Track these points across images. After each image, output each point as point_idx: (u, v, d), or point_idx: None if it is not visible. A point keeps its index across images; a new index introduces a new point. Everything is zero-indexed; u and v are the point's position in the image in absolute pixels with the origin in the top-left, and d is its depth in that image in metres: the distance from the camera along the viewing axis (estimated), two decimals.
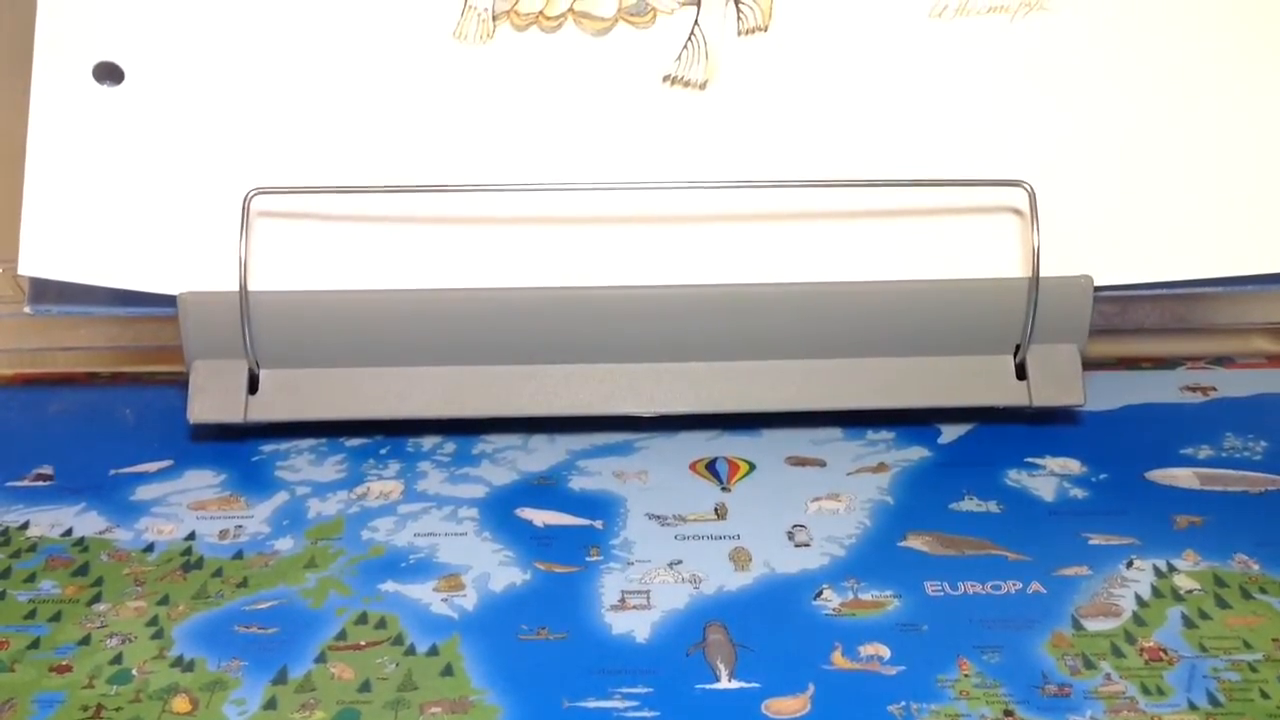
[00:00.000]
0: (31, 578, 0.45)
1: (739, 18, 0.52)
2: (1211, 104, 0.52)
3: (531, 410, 0.51)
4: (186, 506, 0.49)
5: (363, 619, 0.43)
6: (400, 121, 0.52)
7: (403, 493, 0.50)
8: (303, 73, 0.51)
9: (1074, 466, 0.51)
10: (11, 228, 0.50)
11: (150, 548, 0.47)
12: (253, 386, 0.51)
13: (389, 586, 0.44)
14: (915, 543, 0.46)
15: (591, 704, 0.39)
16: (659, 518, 0.48)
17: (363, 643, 0.42)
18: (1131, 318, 0.59)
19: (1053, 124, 0.52)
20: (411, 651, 0.41)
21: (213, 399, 0.50)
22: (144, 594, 0.44)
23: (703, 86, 0.52)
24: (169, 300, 0.50)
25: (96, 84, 0.51)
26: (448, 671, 0.40)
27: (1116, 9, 0.52)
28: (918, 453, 0.52)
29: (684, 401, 0.52)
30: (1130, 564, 0.45)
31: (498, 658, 0.41)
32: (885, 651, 0.41)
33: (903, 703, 0.39)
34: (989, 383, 0.52)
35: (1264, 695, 0.39)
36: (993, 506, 0.48)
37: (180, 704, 0.39)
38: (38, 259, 0.50)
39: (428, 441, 0.53)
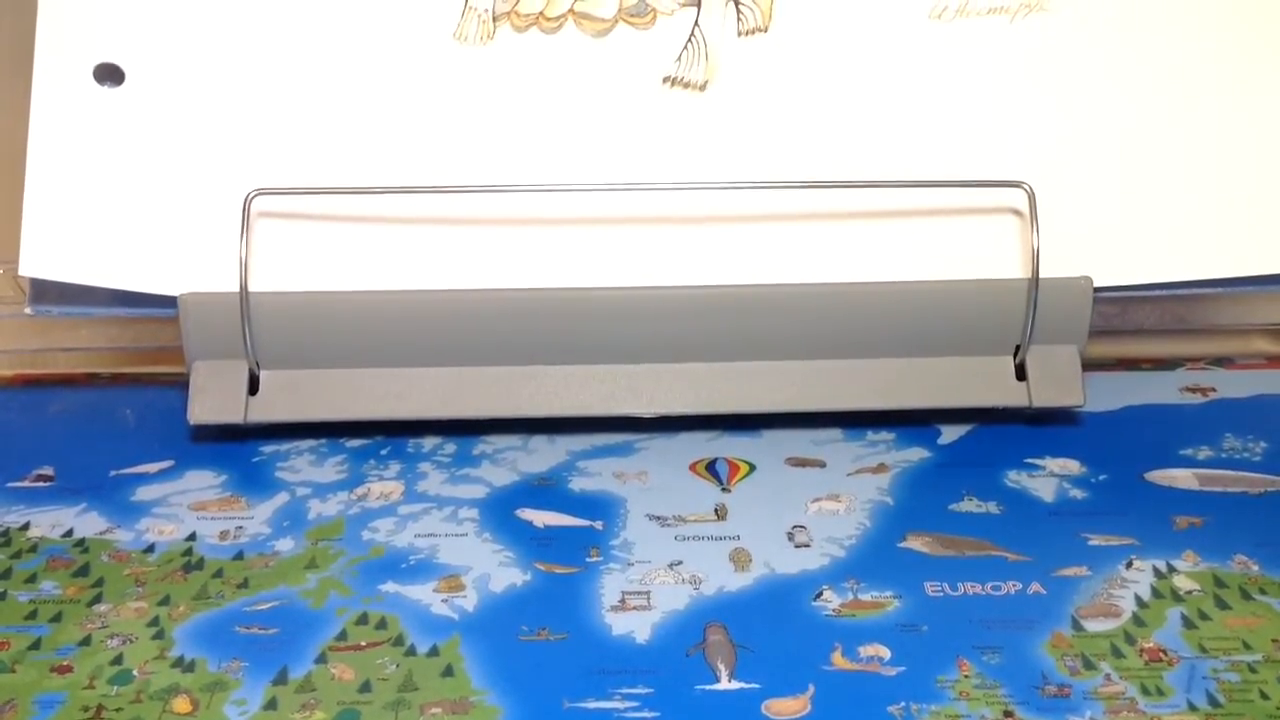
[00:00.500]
0: (32, 578, 0.45)
1: (739, 19, 0.52)
2: (1211, 104, 0.53)
3: (532, 411, 0.51)
4: (187, 507, 0.49)
5: (363, 619, 0.43)
6: (401, 122, 0.52)
7: (403, 493, 0.50)
8: (303, 74, 0.51)
9: (1074, 467, 0.51)
10: (12, 229, 0.50)
11: (151, 548, 0.47)
12: (253, 387, 0.51)
13: (389, 587, 0.44)
14: (915, 543, 0.46)
15: (592, 704, 0.39)
16: (659, 518, 0.48)
17: (363, 643, 0.42)
18: (1131, 318, 0.59)
19: (1052, 125, 0.52)
20: (412, 652, 0.41)
21: (213, 400, 0.50)
22: (145, 594, 0.44)
23: (703, 87, 0.52)
24: (169, 301, 0.50)
25: (97, 85, 0.51)
26: (448, 672, 0.40)
27: (1116, 10, 0.52)
28: (918, 453, 0.52)
29: (684, 402, 0.52)
30: (1130, 565, 0.45)
31: (498, 658, 0.41)
32: (885, 652, 0.41)
33: (902, 703, 0.39)
34: (989, 383, 0.52)
35: (1264, 696, 0.39)
36: (992, 507, 0.48)
37: (181, 704, 0.39)
38: (38, 260, 0.50)
39: (428, 442, 0.53)
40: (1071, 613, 0.43)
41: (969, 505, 0.49)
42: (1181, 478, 0.50)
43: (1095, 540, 0.46)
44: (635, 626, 0.42)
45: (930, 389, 0.52)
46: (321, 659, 0.41)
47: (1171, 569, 0.45)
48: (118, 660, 0.41)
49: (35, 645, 0.42)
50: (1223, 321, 0.59)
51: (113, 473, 0.51)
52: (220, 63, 0.51)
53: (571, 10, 0.52)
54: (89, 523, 0.48)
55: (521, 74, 0.52)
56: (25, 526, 0.48)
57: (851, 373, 0.52)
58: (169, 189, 0.51)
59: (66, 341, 0.59)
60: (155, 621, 0.43)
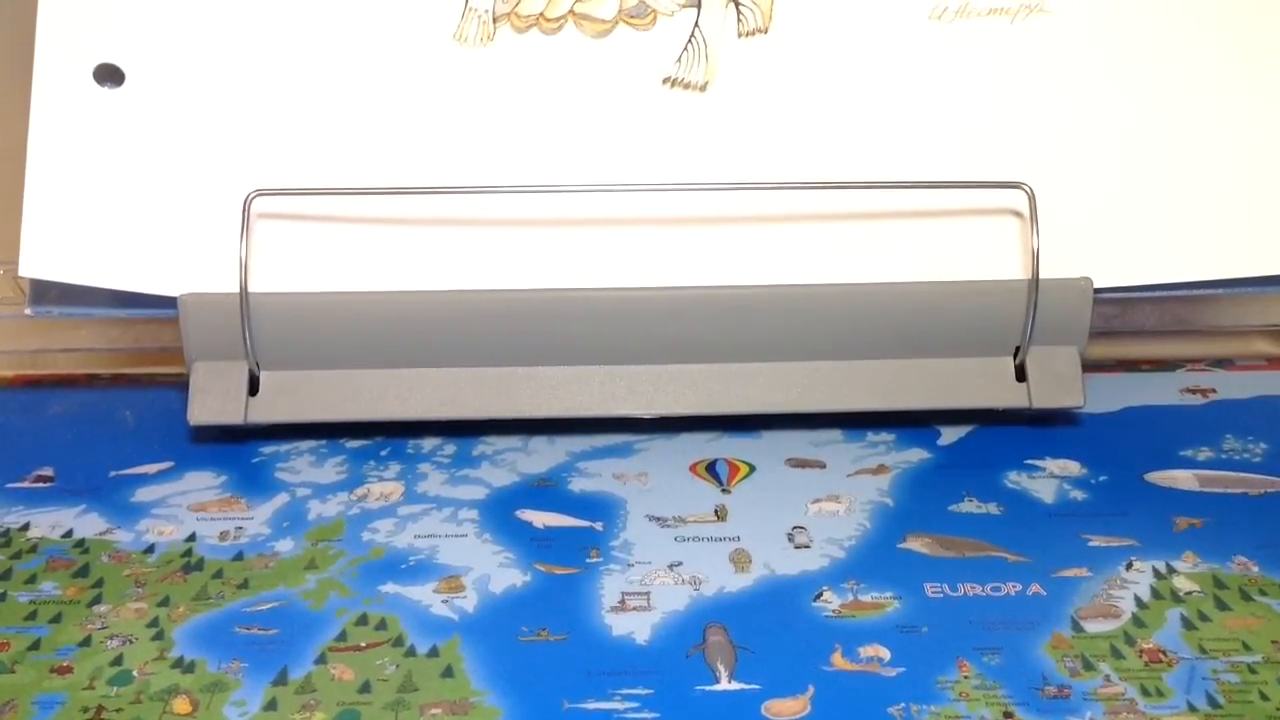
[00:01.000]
0: (32, 579, 0.45)
1: (739, 20, 0.52)
2: (1211, 106, 0.53)
3: (531, 412, 0.51)
4: (187, 508, 0.49)
5: (363, 620, 0.43)
6: (401, 124, 0.52)
7: (403, 494, 0.50)
8: (303, 75, 0.51)
9: (1074, 468, 0.51)
10: (12, 229, 0.50)
11: (151, 549, 0.47)
12: (253, 388, 0.51)
13: (389, 588, 0.44)
14: (915, 544, 0.46)
15: (591, 705, 0.39)
16: (659, 519, 0.48)
17: (363, 644, 0.42)
18: (1131, 319, 0.59)
19: (1052, 126, 0.52)
20: (412, 653, 0.41)
21: (213, 400, 0.50)
22: (144, 595, 0.44)
23: (703, 88, 0.52)
24: (169, 302, 0.50)
25: (97, 86, 0.51)
26: (448, 673, 0.40)
27: (1116, 11, 0.52)
28: (918, 454, 0.52)
29: (684, 403, 0.52)
30: (1130, 566, 0.45)
31: (498, 659, 0.41)
32: (885, 653, 0.41)
33: (902, 704, 0.39)
34: (989, 384, 0.52)
35: (1263, 697, 0.39)
36: (992, 508, 0.48)
37: (181, 705, 0.39)
38: (38, 261, 0.50)
39: (428, 443, 0.53)
40: (1071, 614, 0.43)
41: (969, 506, 0.49)
42: (1181, 479, 0.50)
43: (1095, 541, 0.46)
44: (635, 627, 0.42)
45: (930, 390, 0.52)
46: (321, 660, 0.41)
47: (1171, 570, 0.45)
48: (117, 661, 0.41)
49: (35, 646, 0.42)
50: (1223, 323, 0.59)
51: (112, 473, 0.51)
52: (220, 64, 0.51)
53: (571, 11, 0.52)
54: (89, 523, 0.48)
55: (522, 75, 0.52)
56: (25, 527, 0.48)
57: (851, 374, 0.52)
58: (169, 190, 0.51)
59: (66, 342, 0.59)
60: (155, 622, 0.43)
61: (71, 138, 0.51)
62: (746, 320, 0.51)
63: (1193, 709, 0.39)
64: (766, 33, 0.52)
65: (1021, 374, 0.52)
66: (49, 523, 0.48)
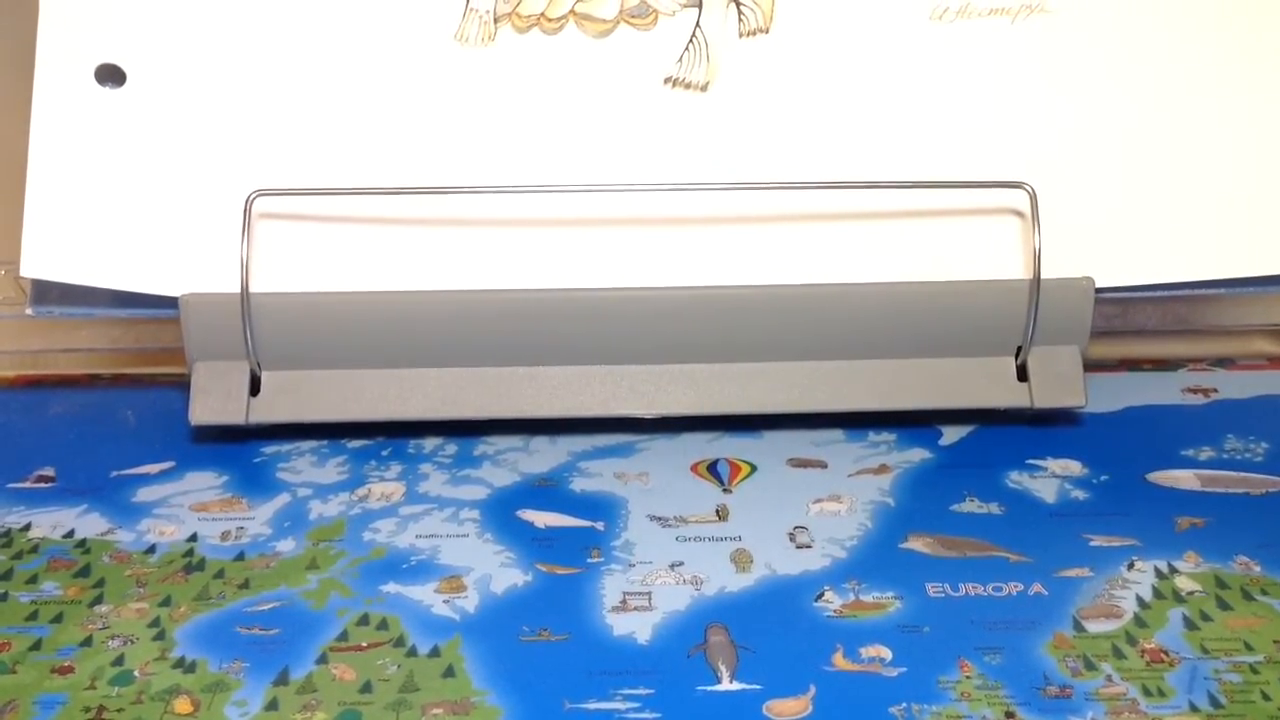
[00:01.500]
0: (33, 579, 0.45)
1: (740, 20, 0.52)
2: (1212, 105, 0.53)
3: (533, 412, 0.51)
4: (188, 508, 0.49)
5: (364, 620, 0.43)
6: (402, 124, 0.52)
7: (404, 494, 0.50)
8: (304, 75, 0.51)
9: (1075, 468, 0.51)
10: (13, 230, 0.50)
11: (152, 549, 0.47)
12: (254, 388, 0.51)
13: (390, 588, 0.44)
14: (916, 544, 0.46)
15: (593, 705, 0.39)
16: (660, 519, 0.48)
17: (364, 644, 0.42)
18: (1133, 319, 0.59)
19: (1054, 125, 0.52)
20: (413, 653, 0.41)
21: (214, 401, 0.50)
22: (146, 595, 0.44)
23: (704, 88, 0.52)
24: (171, 302, 0.50)
25: (98, 86, 0.51)
26: (449, 673, 0.40)
27: (1117, 11, 0.52)
28: (919, 454, 0.52)
29: (685, 403, 0.52)
30: (1131, 565, 0.45)
31: (499, 659, 0.41)
32: (886, 653, 0.41)
33: (904, 704, 0.39)
34: (990, 384, 0.52)
35: (1265, 697, 0.39)
36: (994, 508, 0.48)
37: (182, 705, 0.39)
38: (40, 261, 0.50)
39: (429, 443, 0.53)
40: (1073, 613, 0.43)
41: (970, 506, 0.49)
42: (1183, 478, 0.50)
43: (1097, 541, 0.46)
44: (636, 627, 0.42)
45: (932, 390, 0.52)
46: (322, 660, 0.41)
47: (1173, 570, 0.45)
48: (119, 661, 0.41)
49: (36, 646, 0.42)
50: (1224, 322, 0.59)
51: (114, 473, 0.51)
52: (221, 64, 0.51)
53: (573, 11, 0.52)
54: (90, 523, 0.48)
55: (523, 75, 0.52)
56: (26, 527, 0.48)
57: (853, 374, 0.52)
58: (170, 190, 0.51)
59: (68, 342, 0.59)
60: (156, 622, 0.43)
61: (73, 138, 0.51)
62: (748, 320, 0.51)
63: (1194, 709, 0.39)
64: (768, 33, 0.52)
65: (1023, 374, 0.52)
66: (50, 523, 0.48)
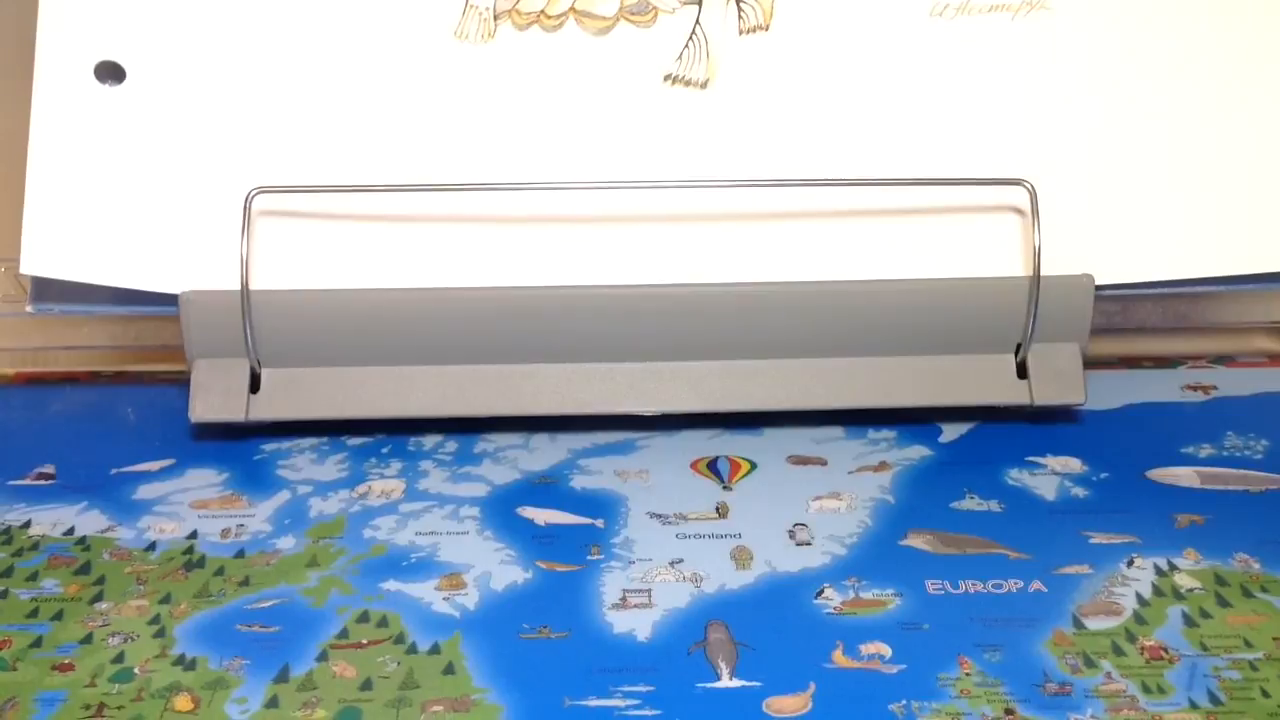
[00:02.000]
0: (33, 576, 0.45)
1: (740, 17, 0.52)
2: (1212, 103, 0.53)
3: (533, 409, 0.51)
4: (188, 505, 0.49)
5: (364, 617, 0.43)
6: (402, 121, 0.52)
7: (404, 491, 0.50)
8: (304, 72, 0.51)
9: (1075, 465, 0.51)
10: (13, 227, 0.50)
11: (152, 546, 0.47)
12: (254, 385, 0.51)
13: (390, 585, 0.44)
14: (916, 541, 0.46)
15: (593, 702, 0.39)
16: (660, 516, 0.48)
17: (364, 641, 0.42)
18: (1132, 316, 0.59)
19: (1054, 122, 0.52)
20: (413, 650, 0.41)
21: (214, 398, 0.50)
22: (146, 593, 0.44)
23: (704, 85, 0.52)
24: (171, 299, 0.50)
25: (98, 83, 0.51)
26: (449, 670, 0.40)
27: (1117, 8, 0.52)
28: (919, 452, 0.52)
29: (685, 400, 0.52)
30: (1131, 563, 0.45)
31: (499, 656, 0.41)
32: (886, 650, 0.41)
33: (904, 701, 0.39)
34: (990, 382, 0.52)
35: (1265, 694, 0.39)
36: (994, 505, 0.48)
37: (182, 702, 0.39)
38: (40, 258, 0.50)
39: (429, 440, 0.53)
40: (1073, 610, 0.43)
41: (970, 503, 0.49)
42: (1183, 476, 0.50)
43: (1096, 538, 0.46)
44: (636, 624, 0.42)
45: (931, 387, 0.52)
46: (323, 657, 0.41)
47: (1173, 567, 0.45)
48: (119, 658, 0.41)
49: (37, 643, 0.42)
50: (1224, 319, 0.59)
51: (114, 471, 0.51)
52: (221, 61, 0.51)
53: (572, 8, 0.52)
54: (90, 521, 0.48)
55: (522, 72, 0.52)
56: (27, 524, 0.48)
57: (853, 371, 0.52)
58: (170, 187, 0.51)
59: (68, 339, 0.59)
60: (156, 619, 0.43)
61: (72, 135, 0.51)
62: (748, 317, 0.51)
63: (1194, 706, 0.39)
64: (767, 30, 0.52)
65: (1023, 371, 0.52)
66: (50, 520, 0.48)
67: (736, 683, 0.40)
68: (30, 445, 0.53)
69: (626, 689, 0.39)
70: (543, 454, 0.52)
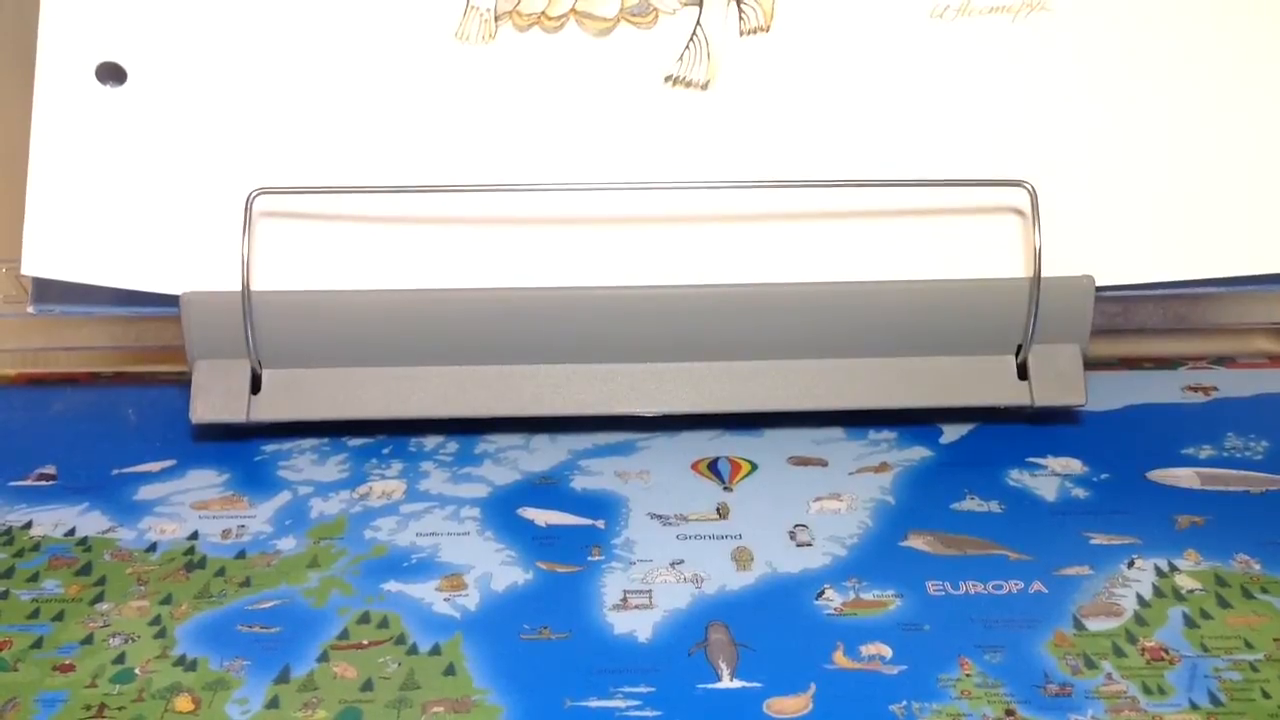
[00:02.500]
0: (34, 577, 0.45)
1: (741, 18, 0.52)
2: (1212, 104, 0.53)
3: (534, 410, 0.51)
4: (189, 506, 0.49)
5: (365, 618, 0.43)
6: (402, 122, 0.52)
7: (405, 492, 0.50)
8: (305, 73, 0.51)
9: (1075, 466, 0.51)
10: (15, 228, 0.50)
11: (153, 547, 0.47)
12: (255, 386, 0.51)
13: (391, 586, 0.44)
14: (917, 542, 0.46)
15: (593, 703, 0.39)
16: (661, 517, 0.48)
17: (365, 642, 0.42)
18: (1133, 318, 0.59)
19: (1054, 124, 0.52)
20: (414, 651, 0.41)
21: (215, 399, 0.50)
22: (147, 593, 0.44)
23: (705, 87, 0.52)
24: (172, 300, 0.50)
25: (99, 84, 0.51)
26: (450, 671, 0.40)
27: (1117, 9, 0.52)
28: (919, 453, 0.52)
29: (686, 401, 0.52)
30: (1132, 564, 0.45)
31: (500, 657, 0.41)
32: (887, 651, 0.41)
33: (904, 702, 0.39)
34: (991, 383, 0.52)
35: (1265, 695, 0.39)
36: (994, 506, 0.48)
37: (183, 703, 0.39)
38: (41, 259, 0.50)
39: (430, 441, 0.53)
40: (1073, 612, 0.43)
41: (971, 504, 0.49)
42: (1183, 477, 0.50)
43: (1097, 539, 0.46)
44: (637, 625, 0.42)
45: (932, 388, 0.52)
46: (323, 658, 0.41)
47: (1173, 568, 0.45)
48: (120, 659, 0.41)
49: (37, 644, 0.42)
50: (1224, 321, 0.59)
51: (115, 471, 0.51)
52: (222, 62, 0.51)
53: (573, 9, 0.52)
54: (91, 521, 0.48)
55: (523, 73, 0.52)
56: (28, 525, 0.48)
57: (853, 372, 0.52)
58: (171, 188, 0.51)
59: (69, 340, 0.59)
60: (157, 620, 0.43)
61: (74, 136, 0.51)
62: (748, 318, 0.51)
63: (1194, 707, 0.39)
64: (768, 31, 0.52)
65: (1023, 372, 0.52)
66: (51, 521, 0.48)
67: (737, 683, 0.40)
68: (31, 446, 0.53)
69: (627, 690, 0.39)
70: (543, 455, 0.52)
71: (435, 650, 0.41)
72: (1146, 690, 0.39)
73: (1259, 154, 0.53)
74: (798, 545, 0.46)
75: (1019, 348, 0.52)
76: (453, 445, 0.53)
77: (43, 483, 0.50)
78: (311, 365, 0.51)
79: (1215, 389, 0.57)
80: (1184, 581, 0.44)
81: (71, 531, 0.48)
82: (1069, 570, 0.45)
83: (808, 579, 0.45)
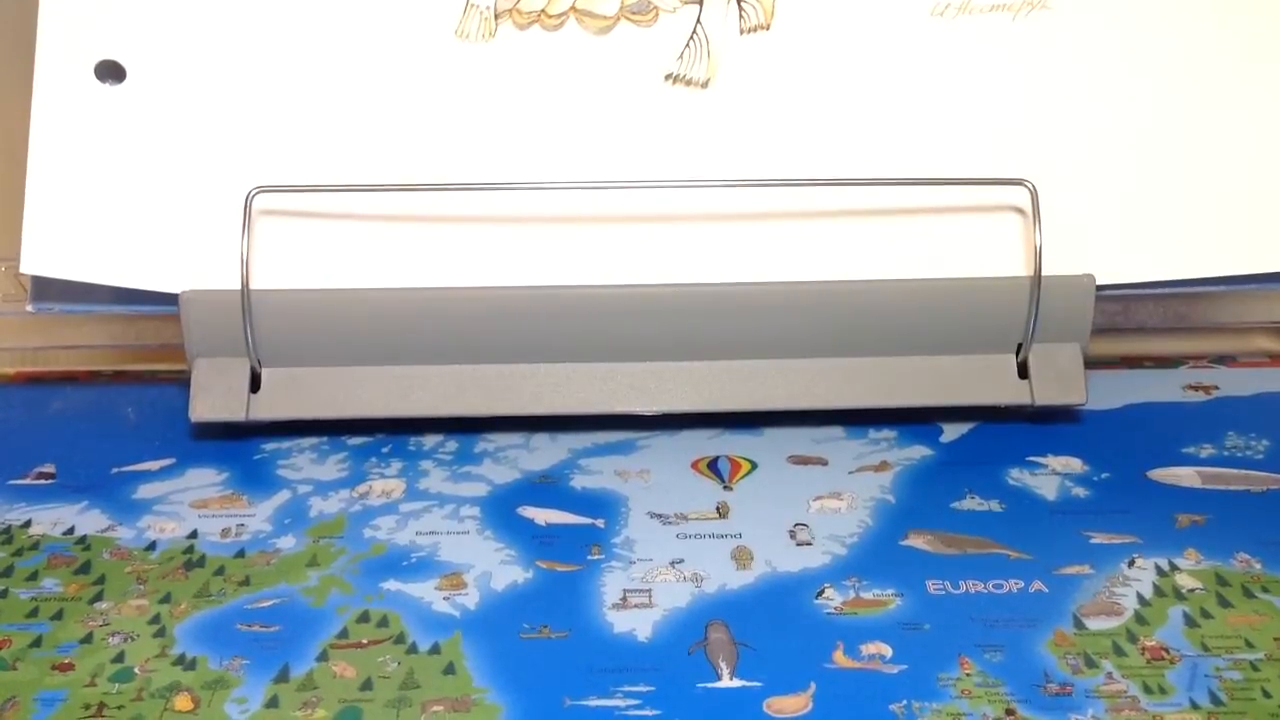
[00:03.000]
0: (34, 576, 0.45)
1: (741, 16, 0.52)
2: (1213, 103, 0.52)
3: (533, 409, 0.51)
4: (188, 505, 0.49)
5: (364, 617, 0.43)
6: (402, 120, 0.52)
7: (404, 491, 0.50)
8: (304, 71, 0.51)
9: (1076, 465, 0.51)
10: (14, 226, 0.50)
11: (152, 546, 0.47)
12: (255, 385, 0.51)
13: (391, 585, 0.44)
14: (917, 541, 0.46)
15: (593, 702, 0.39)
16: (661, 516, 0.48)
17: (364, 641, 0.42)
18: (1133, 316, 0.59)
19: (1055, 122, 0.52)
20: (413, 650, 0.41)
21: (215, 397, 0.50)
22: (146, 592, 0.44)
23: (705, 85, 0.52)
24: (171, 299, 0.50)
25: (98, 82, 0.51)
26: (449, 670, 0.40)
27: (1117, 8, 0.52)
28: (919, 451, 0.52)
29: (686, 400, 0.52)
30: (1132, 563, 0.45)
31: (499, 656, 0.41)
32: (887, 650, 0.41)
33: (904, 701, 0.39)
34: (991, 381, 0.52)
35: (1266, 694, 0.39)
36: (994, 505, 0.48)
37: (182, 702, 0.39)
38: (40, 257, 0.50)
39: (430, 440, 0.53)
40: (1073, 611, 0.43)
41: (971, 503, 0.49)
42: (1184, 476, 0.50)
43: (1097, 538, 0.46)
44: (637, 624, 0.42)
45: (932, 387, 0.52)
46: (323, 657, 0.41)
47: (1174, 567, 0.45)
48: (119, 658, 0.41)
49: (36, 643, 0.42)
50: (1225, 319, 0.59)
51: (114, 470, 0.51)
52: (222, 60, 0.51)
53: (573, 8, 0.52)
54: (90, 520, 0.48)
55: (523, 71, 0.52)
56: (27, 524, 0.48)
57: (853, 371, 0.52)
58: (170, 186, 0.51)
59: (68, 339, 0.59)
60: (156, 619, 0.43)
61: (73, 134, 0.51)
62: (748, 317, 0.51)
63: (1195, 706, 0.39)
64: (768, 29, 0.52)
65: (1024, 371, 0.52)
66: (50, 519, 0.48)
67: (737, 683, 0.40)
68: (30, 445, 0.53)
69: (627, 689, 0.39)
70: (543, 454, 0.52)
71: (435, 649, 0.41)
72: (1147, 689, 0.39)
73: (1259, 153, 0.53)
74: (798, 544, 0.46)
75: (1019, 347, 0.52)
76: (452, 444, 0.53)
77: (42, 481, 0.50)
78: (311, 364, 0.51)
79: (1216, 388, 0.57)
80: (1184, 581, 0.44)
81: (70, 530, 0.47)
82: (1069, 569, 0.45)
83: (808, 578, 0.44)
